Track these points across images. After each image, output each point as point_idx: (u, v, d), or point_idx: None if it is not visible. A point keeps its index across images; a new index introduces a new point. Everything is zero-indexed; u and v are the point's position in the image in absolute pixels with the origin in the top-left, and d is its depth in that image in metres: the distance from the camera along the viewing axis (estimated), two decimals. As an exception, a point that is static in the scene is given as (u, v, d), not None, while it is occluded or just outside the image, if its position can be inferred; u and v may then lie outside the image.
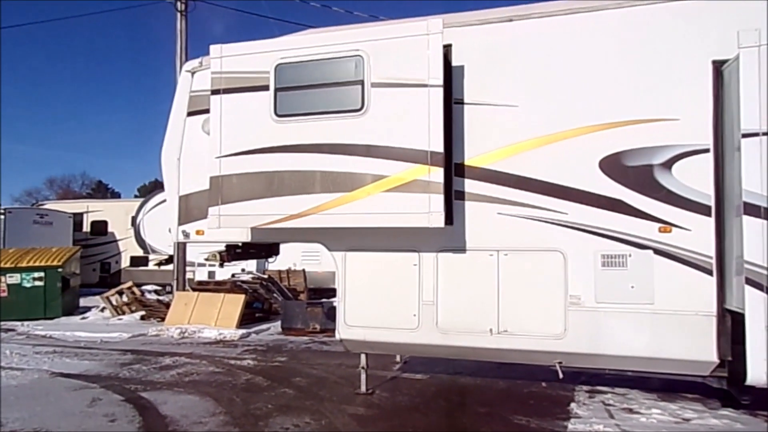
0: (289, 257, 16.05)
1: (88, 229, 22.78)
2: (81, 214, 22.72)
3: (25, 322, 12.73)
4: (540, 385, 6.84)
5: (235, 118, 5.99)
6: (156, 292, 14.61)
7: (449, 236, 5.81)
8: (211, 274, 17.32)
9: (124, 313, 13.66)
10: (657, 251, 5.31)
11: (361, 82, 5.61)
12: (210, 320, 11.47)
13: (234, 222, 6.03)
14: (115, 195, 40.14)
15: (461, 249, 5.87)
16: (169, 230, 7.10)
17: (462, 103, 5.88)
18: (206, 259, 8.47)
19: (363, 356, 6.53)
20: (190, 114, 6.85)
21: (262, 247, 8.05)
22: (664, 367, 5.56)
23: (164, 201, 19.93)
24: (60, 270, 14.28)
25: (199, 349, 9.65)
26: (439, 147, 5.40)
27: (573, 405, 6.00)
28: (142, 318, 13.15)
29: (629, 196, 5.40)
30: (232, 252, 7.84)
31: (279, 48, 5.88)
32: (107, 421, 5.62)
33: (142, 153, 78.09)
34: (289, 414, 5.81)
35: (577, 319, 5.53)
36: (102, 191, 50.58)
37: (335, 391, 6.76)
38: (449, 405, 6.16)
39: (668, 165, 5.30)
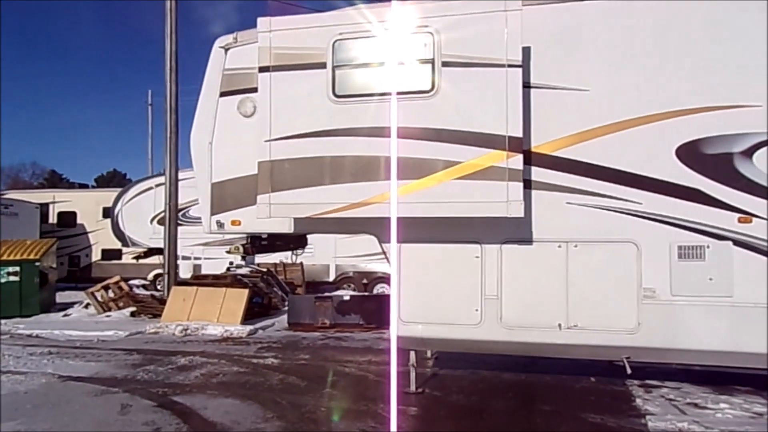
0: (281, 250, 15.46)
1: (55, 221, 21.49)
2: (47, 205, 21.40)
3: (2, 320, 11.73)
4: (589, 380, 6.64)
5: (286, 98, 5.50)
6: (144, 287, 13.79)
7: (515, 227, 5.51)
8: (196, 267, 16.55)
9: (110, 309, 12.80)
10: (736, 242, 5.17)
11: (432, 61, 5.22)
12: (212, 316, 10.84)
13: (286, 211, 5.56)
14: (83, 186, 37.91)
15: (528, 240, 5.59)
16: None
17: (529, 86, 5.55)
18: (228, 252, 7.95)
19: (412, 353, 6.19)
20: (223, 94, 6.30)
21: (290, 239, 7.58)
22: (739, 361, 5.43)
23: (146, 191, 18.95)
24: (37, 264, 13.30)
25: (210, 347, 9.06)
26: (518, 132, 5.08)
27: (639, 401, 5.83)
28: (132, 314, 12.35)
29: (707, 186, 5.24)
30: (257, 244, 7.36)
31: (337, 22, 5.42)
32: (150, 430, 5.08)
33: (96, 142, 74.60)
34: (347, 417, 5.41)
35: (652, 312, 5.34)
36: (56, 181, 48.05)
37: (382, 390, 6.37)
38: (511, 404, 5.88)
39: (749, 153, 5.15)
